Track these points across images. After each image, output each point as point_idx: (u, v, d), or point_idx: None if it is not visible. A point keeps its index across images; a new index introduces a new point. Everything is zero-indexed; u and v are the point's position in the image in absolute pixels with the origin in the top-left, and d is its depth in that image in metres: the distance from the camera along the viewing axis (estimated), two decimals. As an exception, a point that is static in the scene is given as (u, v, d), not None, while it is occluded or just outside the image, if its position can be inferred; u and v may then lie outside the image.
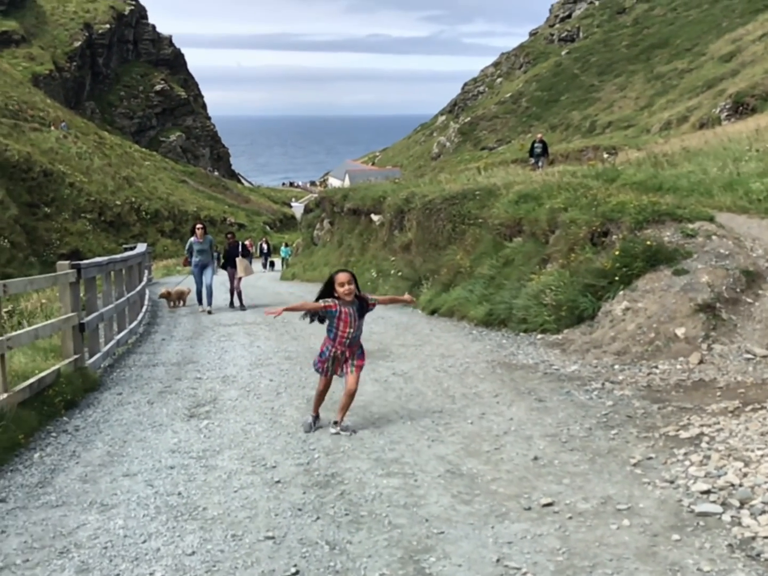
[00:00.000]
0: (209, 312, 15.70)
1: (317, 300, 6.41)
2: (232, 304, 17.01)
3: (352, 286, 6.35)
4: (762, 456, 5.00)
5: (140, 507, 4.93)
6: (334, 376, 6.56)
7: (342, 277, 6.36)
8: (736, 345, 7.93)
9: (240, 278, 16.93)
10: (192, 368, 9.46)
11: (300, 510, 4.75)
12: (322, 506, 4.79)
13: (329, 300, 6.34)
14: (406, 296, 7.10)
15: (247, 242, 22.22)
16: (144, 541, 4.42)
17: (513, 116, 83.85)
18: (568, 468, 5.25)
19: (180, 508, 4.87)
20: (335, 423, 6.41)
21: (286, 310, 6.32)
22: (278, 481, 5.26)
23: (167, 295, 17.49)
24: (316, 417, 6.59)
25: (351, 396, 6.41)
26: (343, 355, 6.42)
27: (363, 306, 6.48)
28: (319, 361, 6.52)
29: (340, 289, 6.32)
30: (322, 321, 6.46)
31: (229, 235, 18.15)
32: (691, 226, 9.76)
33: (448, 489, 4.98)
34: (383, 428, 6.42)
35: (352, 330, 6.38)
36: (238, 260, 16.92)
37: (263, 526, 4.54)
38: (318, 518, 4.62)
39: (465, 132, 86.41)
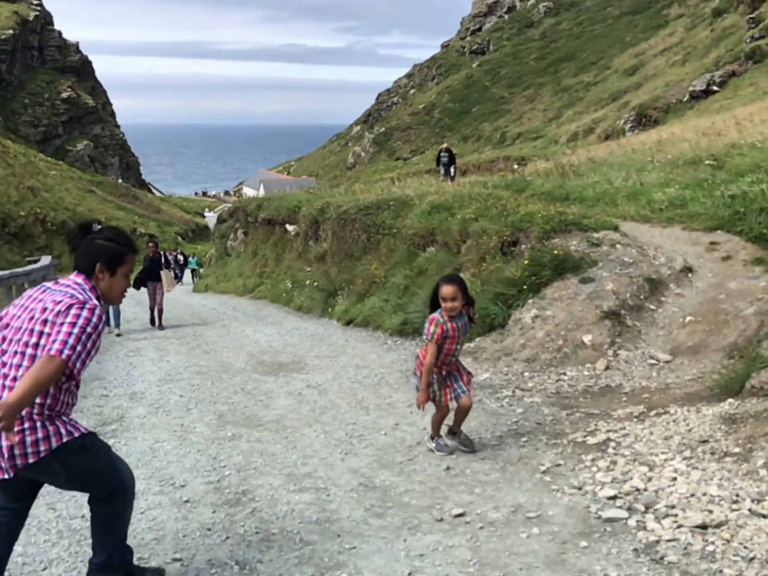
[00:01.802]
0: (118, 335, 14.07)
1: (430, 310, 5.66)
2: (152, 322, 15.16)
3: (456, 303, 5.45)
4: (666, 460, 5.14)
5: (41, 532, 4.72)
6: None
7: (446, 291, 5.45)
8: (640, 351, 8.16)
9: (163, 293, 15.25)
10: (98, 385, 9.16)
11: (209, 530, 4.64)
12: (232, 525, 4.69)
13: (437, 321, 5.52)
14: None
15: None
16: (44, 569, 4.24)
17: (426, 127, 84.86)
18: (479, 477, 5.28)
19: (83, 532, 4.68)
20: (453, 434, 5.86)
21: (426, 395, 5.59)
22: (187, 501, 5.12)
23: None
24: (440, 436, 5.91)
25: (467, 411, 5.78)
26: (449, 376, 5.74)
27: (471, 316, 5.74)
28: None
29: (443, 304, 5.50)
30: None
31: (150, 245, 15.89)
32: (596, 235, 10.02)
33: (361, 503, 4.94)
34: (296, 442, 6.34)
35: (459, 346, 5.67)
36: (163, 273, 15.31)
37: (171, 548, 4.40)
38: (227, 538, 4.51)
39: (379, 142, 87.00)
